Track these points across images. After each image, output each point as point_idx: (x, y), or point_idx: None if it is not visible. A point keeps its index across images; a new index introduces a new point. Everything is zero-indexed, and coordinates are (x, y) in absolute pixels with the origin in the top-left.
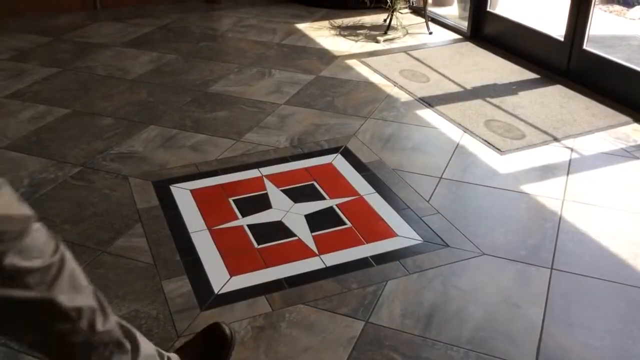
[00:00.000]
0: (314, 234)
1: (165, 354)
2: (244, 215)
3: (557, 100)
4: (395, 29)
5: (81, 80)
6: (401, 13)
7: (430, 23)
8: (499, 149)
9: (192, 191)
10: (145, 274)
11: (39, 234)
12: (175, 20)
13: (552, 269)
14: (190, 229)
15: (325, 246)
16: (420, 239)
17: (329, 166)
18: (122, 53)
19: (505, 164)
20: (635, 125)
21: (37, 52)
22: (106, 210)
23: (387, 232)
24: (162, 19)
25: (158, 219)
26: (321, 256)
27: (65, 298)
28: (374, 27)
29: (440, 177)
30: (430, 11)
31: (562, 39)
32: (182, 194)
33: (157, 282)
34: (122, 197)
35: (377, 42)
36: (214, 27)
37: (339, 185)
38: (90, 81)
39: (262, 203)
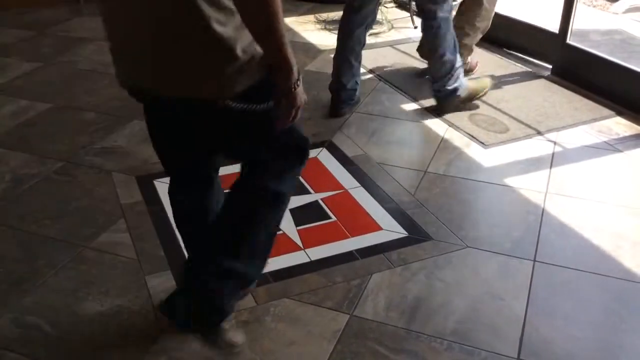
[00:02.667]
0: (299, 228)
1: None
2: None
3: (541, 94)
4: (380, 23)
5: (64, 75)
6: (386, 7)
7: (415, 17)
8: (483, 143)
9: None
10: (129, 269)
11: None
12: None
13: (535, 261)
14: (174, 223)
15: (310, 240)
16: (404, 232)
17: (314, 160)
18: (105, 47)
19: (489, 158)
20: (618, 118)
21: (20, 46)
22: (89, 205)
23: (371, 226)
24: None
25: (142, 214)
26: (306, 250)
27: None
28: None
29: (425, 171)
30: (414, 5)
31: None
32: (166, 189)
33: (140, 277)
34: (105, 192)
35: None
36: None
37: (324, 180)
38: (73, 76)
39: None
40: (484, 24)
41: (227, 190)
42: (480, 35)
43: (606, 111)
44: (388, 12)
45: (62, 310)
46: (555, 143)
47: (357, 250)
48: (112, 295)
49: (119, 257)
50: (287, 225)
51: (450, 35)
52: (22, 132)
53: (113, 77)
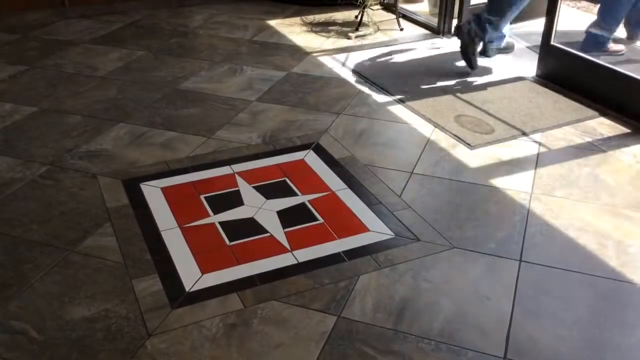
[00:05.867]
0: (286, 230)
1: None
2: (215, 213)
3: (526, 95)
4: (366, 25)
5: (49, 78)
6: (372, 9)
7: (401, 19)
8: (469, 144)
9: (162, 189)
10: (115, 273)
11: None
12: (145, 17)
13: (520, 261)
14: (161, 227)
15: (297, 242)
16: (391, 233)
17: (301, 162)
18: (90, 50)
19: (475, 159)
20: (602, 119)
21: (4, 49)
22: (75, 209)
23: (359, 228)
24: (131, 16)
25: (128, 218)
26: (293, 252)
27: None
28: (345, 24)
29: (412, 172)
30: (401, 7)
31: None
32: (153, 192)
33: (127, 281)
34: (91, 196)
35: (349, 38)
36: (184, 24)
37: (311, 182)
38: (59, 79)
39: (234, 200)
40: None
41: None
42: None
43: (590, 112)
44: (374, 14)
45: (48, 315)
46: (540, 144)
47: (345, 252)
48: (98, 299)
49: (105, 261)
50: (275, 227)
51: None
52: (6, 135)
53: (99, 80)
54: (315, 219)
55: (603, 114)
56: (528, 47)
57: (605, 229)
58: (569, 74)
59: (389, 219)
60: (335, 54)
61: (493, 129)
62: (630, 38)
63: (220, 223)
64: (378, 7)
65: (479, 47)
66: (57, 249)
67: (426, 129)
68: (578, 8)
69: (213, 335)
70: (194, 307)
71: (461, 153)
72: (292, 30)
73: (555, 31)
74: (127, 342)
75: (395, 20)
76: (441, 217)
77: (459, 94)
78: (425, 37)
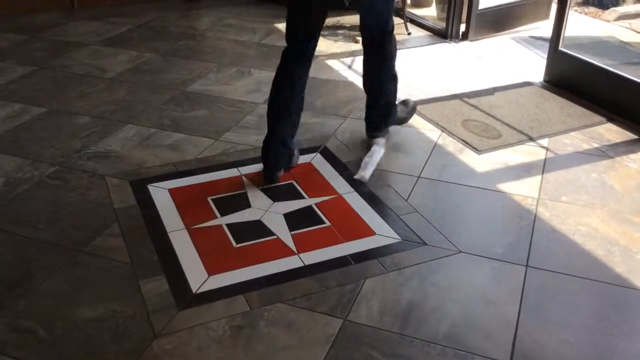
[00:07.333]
0: (293, 232)
1: None
2: (222, 215)
3: (533, 101)
4: None
5: (58, 79)
6: None
7: (408, 24)
8: (476, 149)
9: (170, 190)
10: (123, 274)
11: None
12: (153, 19)
13: (527, 266)
14: (168, 228)
15: (304, 245)
16: (398, 237)
17: (308, 165)
18: (99, 52)
19: (482, 163)
20: (609, 125)
21: (13, 50)
22: (83, 210)
23: (365, 231)
24: (140, 18)
25: (135, 219)
26: (300, 255)
27: None
28: (353, 28)
29: (419, 176)
30: (408, 12)
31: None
32: (160, 194)
33: (134, 281)
34: (99, 196)
35: (357, 42)
36: (193, 26)
37: (318, 185)
38: (67, 80)
39: (241, 202)
40: None
41: None
42: None
43: (597, 118)
44: None
45: (56, 315)
46: (547, 149)
47: (351, 255)
48: (106, 299)
49: (113, 261)
50: (281, 230)
51: None
52: (15, 136)
53: (107, 81)
54: (322, 222)
55: (610, 120)
56: (535, 52)
57: (612, 235)
58: (576, 80)
59: (395, 222)
60: (342, 58)
61: (500, 133)
62: None
63: (227, 225)
64: None
65: None
66: (66, 249)
67: (433, 134)
68: (586, 14)
69: (219, 336)
70: (200, 309)
71: (468, 158)
72: None
73: (564, 36)
74: (134, 342)
75: (403, 24)
76: (448, 222)
77: (466, 99)
78: (433, 41)
